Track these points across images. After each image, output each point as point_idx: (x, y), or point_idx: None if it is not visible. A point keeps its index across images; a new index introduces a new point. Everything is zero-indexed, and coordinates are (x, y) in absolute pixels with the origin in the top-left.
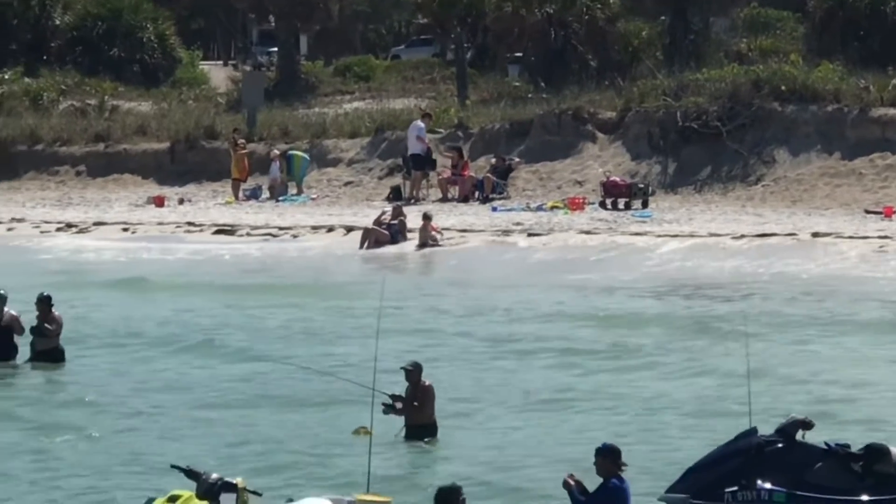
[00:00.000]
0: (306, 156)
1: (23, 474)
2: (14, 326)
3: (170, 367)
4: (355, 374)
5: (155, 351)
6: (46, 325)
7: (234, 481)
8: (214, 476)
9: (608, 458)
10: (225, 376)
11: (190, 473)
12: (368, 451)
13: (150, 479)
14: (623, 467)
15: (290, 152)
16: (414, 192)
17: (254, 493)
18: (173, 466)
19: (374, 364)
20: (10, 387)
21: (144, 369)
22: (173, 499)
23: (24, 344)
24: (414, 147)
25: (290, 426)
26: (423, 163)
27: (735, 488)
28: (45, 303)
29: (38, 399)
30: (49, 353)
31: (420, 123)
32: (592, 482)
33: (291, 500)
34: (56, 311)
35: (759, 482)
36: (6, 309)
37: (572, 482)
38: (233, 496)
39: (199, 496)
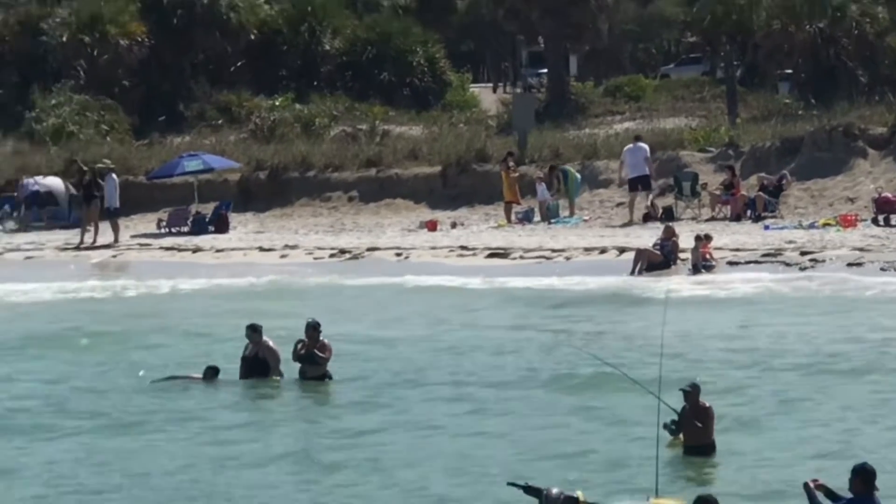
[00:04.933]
0: (578, 175)
1: None
2: (268, 357)
3: None
4: None
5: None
6: (318, 352)
7: (575, 495)
8: (556, 491)
9: (860, 477)
10: None
11: (529, 490)
12: (656, 454)
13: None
14: (876, 490)
15: (564, 167)
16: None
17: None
18: (510, 484)
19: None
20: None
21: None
22: None
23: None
24: (643, 169)
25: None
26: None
27: None
28: (314, 329)
29: None
30: (318, 379)
31: (645, 145)
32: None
33: None
34: (324, 337)
35: None
36: (265, 339)
37: (812, 485)
38: None
39: None
